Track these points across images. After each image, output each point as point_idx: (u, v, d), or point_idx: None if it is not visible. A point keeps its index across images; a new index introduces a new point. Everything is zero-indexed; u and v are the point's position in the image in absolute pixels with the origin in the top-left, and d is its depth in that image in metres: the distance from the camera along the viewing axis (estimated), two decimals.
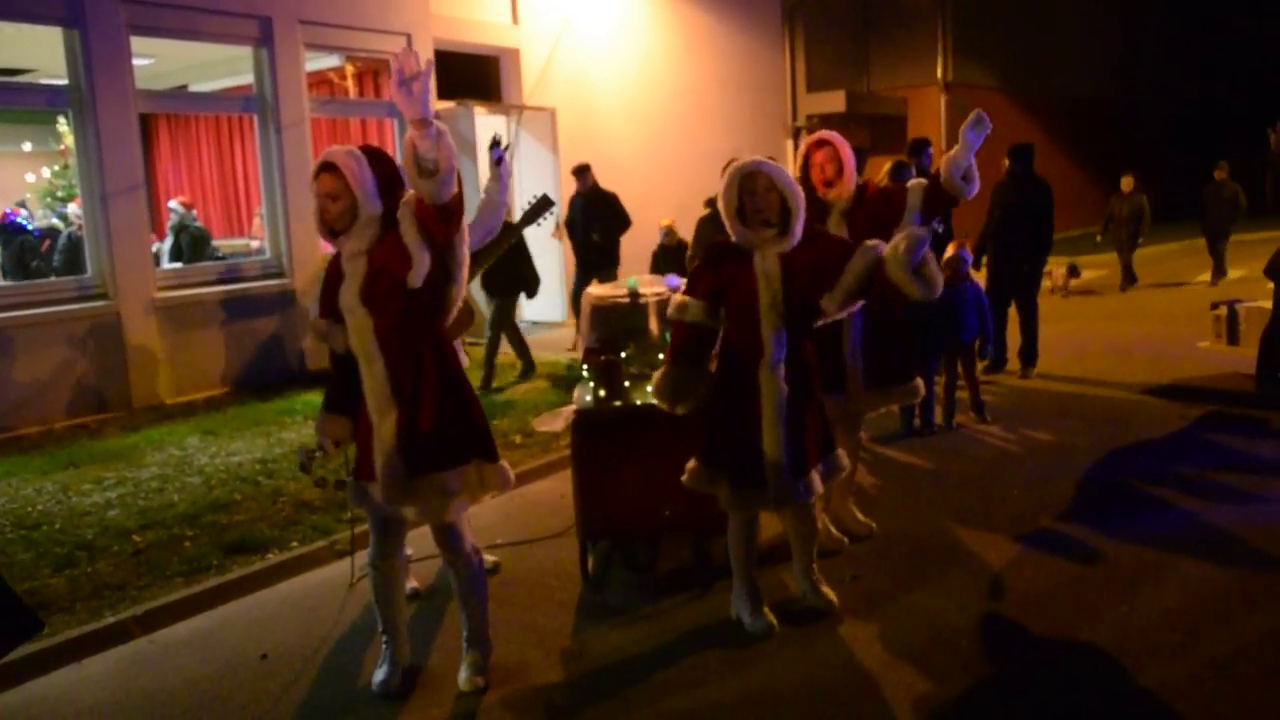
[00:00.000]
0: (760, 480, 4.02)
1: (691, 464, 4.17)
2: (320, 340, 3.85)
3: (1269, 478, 5.91)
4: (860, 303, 3.94)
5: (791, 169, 4.35)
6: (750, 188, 3.91)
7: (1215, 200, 14.54)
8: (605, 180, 13.38)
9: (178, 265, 10.25)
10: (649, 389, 4.23)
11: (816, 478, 4.13)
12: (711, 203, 9.90)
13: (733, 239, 4.00)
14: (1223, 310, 9.58)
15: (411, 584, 4.73)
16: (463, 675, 3.91)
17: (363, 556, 4.10)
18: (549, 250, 12.54)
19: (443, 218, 3.45)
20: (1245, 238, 15.95)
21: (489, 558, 5.10)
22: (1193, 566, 4.75)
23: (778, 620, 4.29)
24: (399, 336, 3.59)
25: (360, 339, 3.60)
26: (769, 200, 3.89)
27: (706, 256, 4.17)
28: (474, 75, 12.34)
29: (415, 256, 3.51)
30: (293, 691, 3.99)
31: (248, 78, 10.28)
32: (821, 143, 4.81)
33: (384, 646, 3.97)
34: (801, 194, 3.94)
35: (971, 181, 4.71)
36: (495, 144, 4.31)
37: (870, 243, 3.85)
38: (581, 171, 10.98)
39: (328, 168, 3.55)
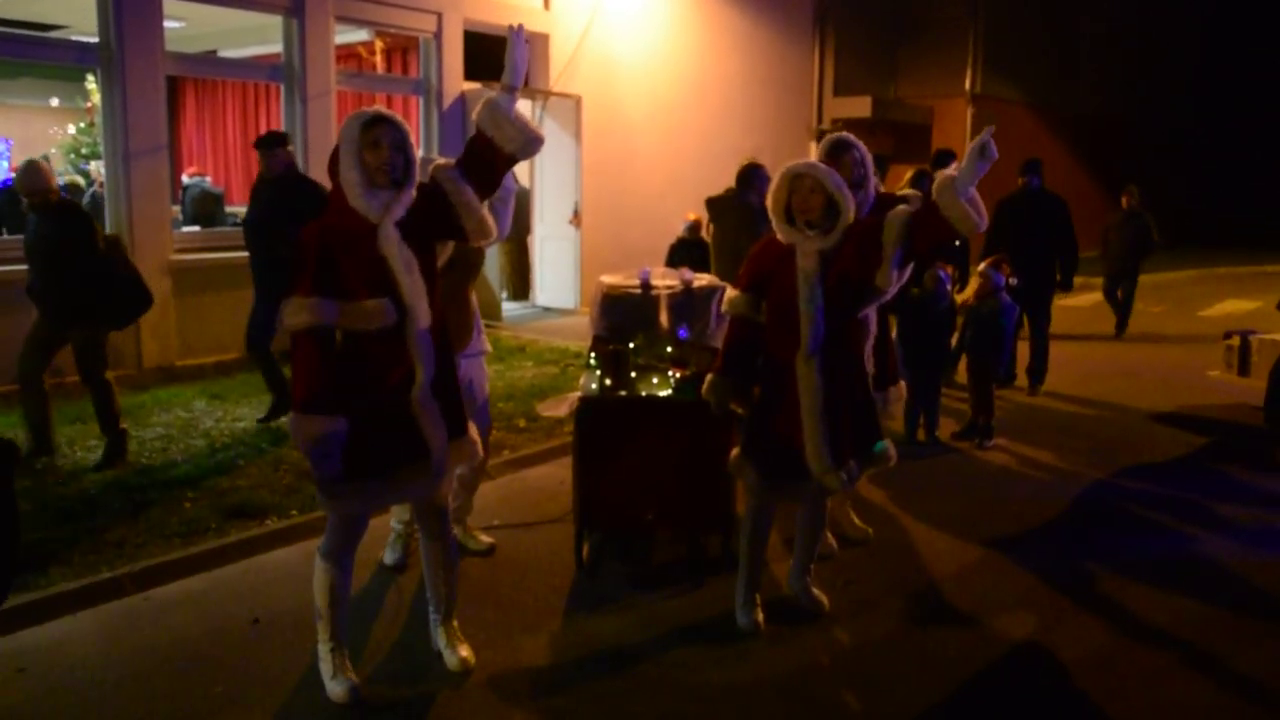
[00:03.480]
0: (795, 472, 4.08)
1: (735, 451, 4.29)
2: (331, 324, 3.43)
3: (1271, 511, 5.91)
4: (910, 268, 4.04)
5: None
6: (797, 188, 4.00)
7: (1120, 235, 12.33)
8: (626, 172, 13.45)
9: (195, 229, 10.29)
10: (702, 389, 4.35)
11: (855, 468, 4.19)
12: (692, 227, 9.95)
13: (779, 238, 4.09)
14: (1235, 340, 9.55)
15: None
16: (454, 656, 3.91)
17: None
18: (564, 236, 12.57)
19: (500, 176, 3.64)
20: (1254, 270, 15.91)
21: (485, 539, 5.14)
22: (1184, 595, 4.75)
23: (769, 618, 4.33)
24: (436, 298, 3.60)
25: (415, 306, 3.48)
26: (813, 202, 3.97)
27: (756, 253, 4.27)
28: (502, 58, 12.32)
29: (475, 210, 3.57)
30: (281, 657, 4.02)
31: (276, 46, 10.29)
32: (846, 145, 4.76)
33: (331, 653, 3.72)
34: (851, 196, 4.01)
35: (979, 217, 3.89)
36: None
37: (896, 209, 3.93)
38: (273, 144, 7.09)
39: (383, 120, 3.47)
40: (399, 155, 3.47)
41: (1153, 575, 4.94)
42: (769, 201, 4.08)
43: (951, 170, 3.84)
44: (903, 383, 5.31)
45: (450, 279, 4.38)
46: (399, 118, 3.53)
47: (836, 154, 4.80)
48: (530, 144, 3.62)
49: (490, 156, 3.59)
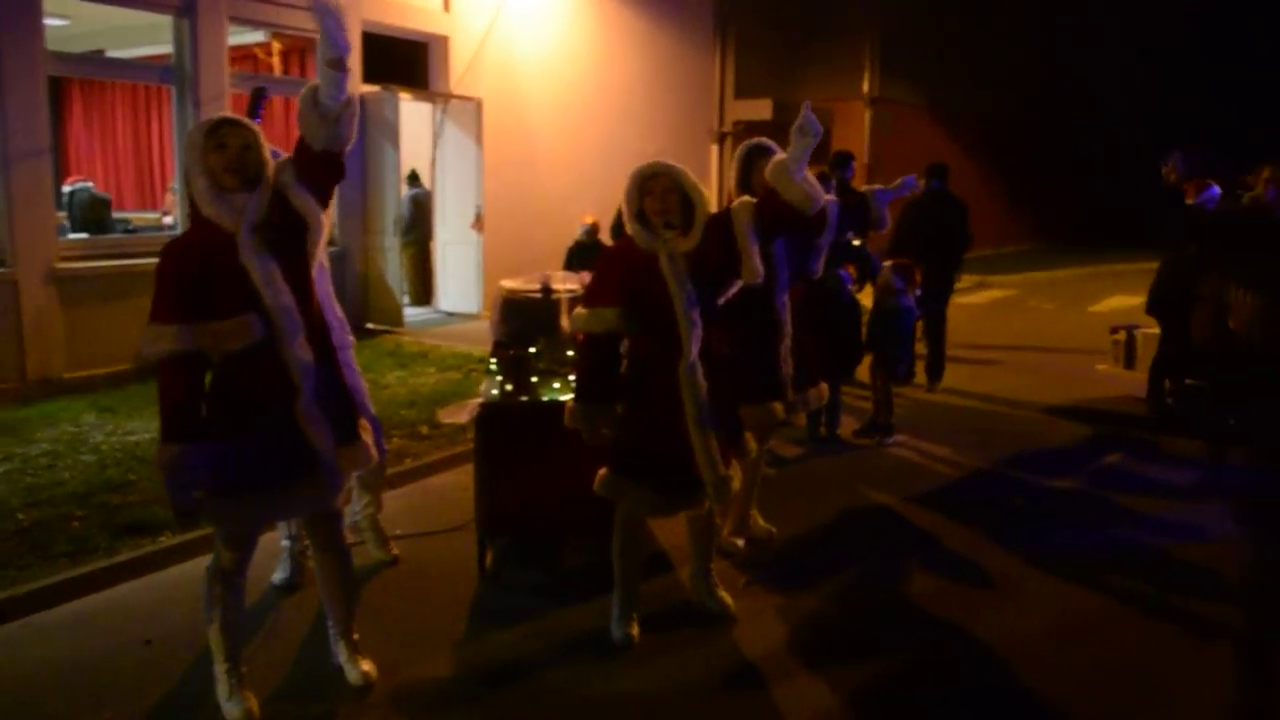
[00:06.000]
0: (687, 483, 4.02)
1: (603, 472, 4.14)
2: (190, 349, 3.31)
3: (1155, 499, 6.13)
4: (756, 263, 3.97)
5: (714, 173, 4.43)
6: (651, 189, 3.93)
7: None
8: (528, 175, 13.37)
9: (83, 236, 9.94)
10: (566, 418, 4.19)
11: (736, 470, 4.19)
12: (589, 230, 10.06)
13: (636, 242, 4.00)
14: (1121, 335, 9.89)
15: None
16: (355, 671, 3.83)
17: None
18: (466, 241, 12.46)
19: (338, 168, 3.46)
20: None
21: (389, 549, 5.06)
22: (1076, 583, 4.90)
23: (676, 622, 4.35)
24: (309, 302, 3.49)
25: (282, 315, 3.38)
26: (670, 202, 3.91)
27: (607, 262, 4.16)
28: (401, 61, 12.18)
29: (312, 217, 3.45)
30: (176, 680, 3.90)
31: (167, 47, 10.01)
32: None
33: (227, 674, 3.61)
34: (705, 193, 3.97)
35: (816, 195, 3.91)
36: (259, 94, 4.33)
37: (738, 200, 4.03)
38: None
39: (229, 122, 3.39)
40: (249, 154, 3.37)
41: (1059, 565, 5.08)
42: (623, 206, 3.98)
43: (780, 154, 3.91)
44: (824, 385, 5.39)
45: None
46: (247, 120, 3.44)
47: (753, 159, 4.83)
48: (335, 139, 3.41)
49: (307, 153, 3.44)
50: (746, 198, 4.06)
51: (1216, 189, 7.46)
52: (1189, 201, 7.55)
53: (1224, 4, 28.53)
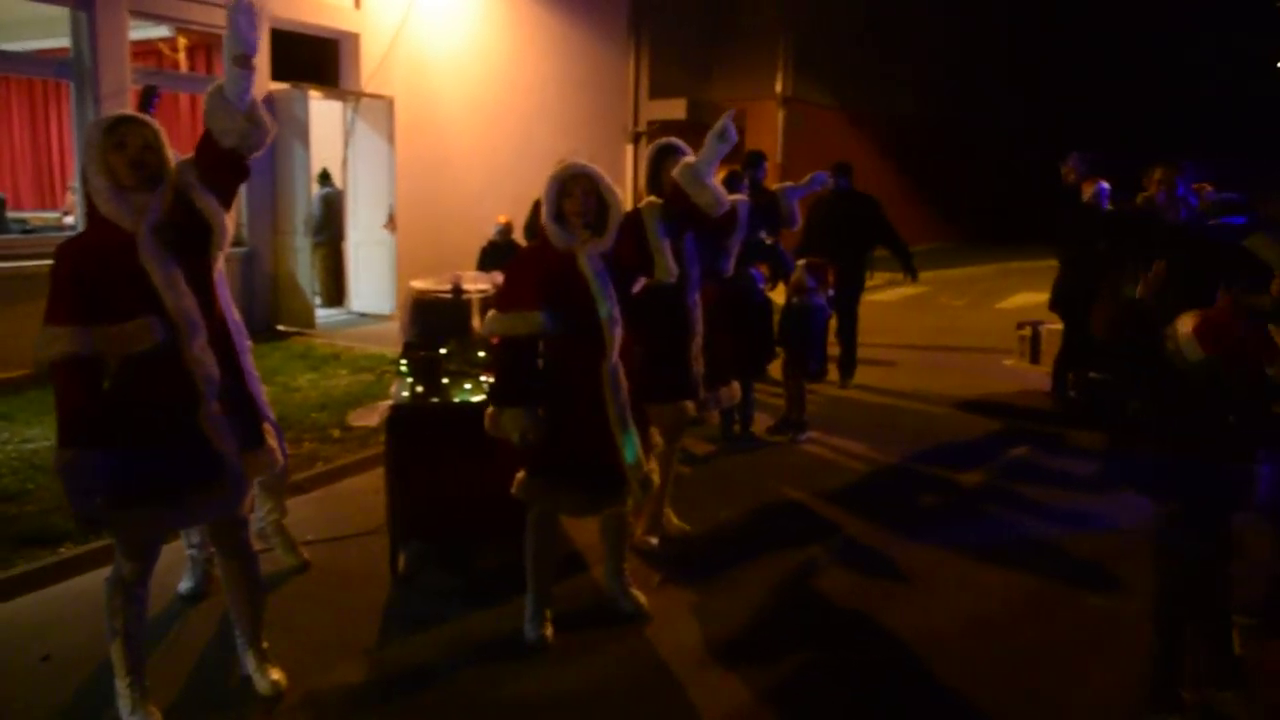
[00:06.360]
0: (610, 481, 4.05)
1: (522, 475, 4.12)
2: (88, 352, 3.23)
3: (1060, 490, 6.30)
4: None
5: (629, 173, 4.50)
6: (571, 191, 3.94)
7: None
8: (441, 174, 13.25)
9: None
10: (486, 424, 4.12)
11: (655, 466, 4.24)
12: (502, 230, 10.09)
13: (552, 242, 4.00)
14: (1027, 330, 10.15)
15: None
16: (264, 680, 3.76)
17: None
18: (379, 241, 12.31)
19: (242, 169, 3.44)
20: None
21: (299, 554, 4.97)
22: (986, 574, 5.02)
23: (592, 621, 4.36)
24: (211, 305, 3.43)
25: (184, 318, 3.31)
26: (590, 203, 3.94)
27: (524, 265, 4.14)
28: (311, 58, 11.98)
29: (215, 219, 3.40)
30: (75, 696, 3.79)
31: (65, 40, 9.71)
32: None
33: (129, 688, 3.51)
34: (620, 195, 4.02)
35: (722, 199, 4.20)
36: (150, 91, 4.28)
37: (645, 201, 4.18)
38: None
39: (129, 120, 3.32)
40: (150, 153, 3.31)
41: (970, 557, 5.20)
42: (542, 207, 3.99)
43: (691, 156, 4.02)
44: (736, 383, 5.44)
45: None
46: (148, 118, 3.37)
47: (663, 158, 4.84)
48: (250, 136, 3.40)
49: (211, 152, 3.40)
50: (654, 198, 4.11)
51: (1105, 185, 7.69)
52: (1085, 199, 7.76)
53: (1126, 9, 29.43)
